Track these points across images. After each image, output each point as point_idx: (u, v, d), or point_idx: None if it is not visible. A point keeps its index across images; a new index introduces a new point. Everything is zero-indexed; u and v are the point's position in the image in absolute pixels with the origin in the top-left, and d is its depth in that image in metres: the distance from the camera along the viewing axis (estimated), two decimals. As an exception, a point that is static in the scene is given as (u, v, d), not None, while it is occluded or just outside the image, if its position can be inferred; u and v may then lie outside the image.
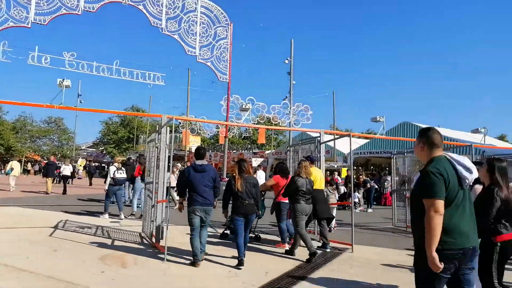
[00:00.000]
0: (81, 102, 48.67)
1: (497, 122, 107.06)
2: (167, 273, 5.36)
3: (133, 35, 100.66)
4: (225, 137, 22.01)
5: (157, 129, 7.58)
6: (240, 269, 5.69)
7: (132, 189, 12.08)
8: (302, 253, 6.57)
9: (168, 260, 5.94)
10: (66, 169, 20.66)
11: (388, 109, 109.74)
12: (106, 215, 10.55)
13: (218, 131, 37.77)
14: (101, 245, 6.93)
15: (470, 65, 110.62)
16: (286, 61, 27.36)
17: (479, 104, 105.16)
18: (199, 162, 6.13)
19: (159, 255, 6.24)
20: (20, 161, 35.12)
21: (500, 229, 3.54)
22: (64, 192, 18.63)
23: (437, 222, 2.60)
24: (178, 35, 19.12)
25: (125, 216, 10.66)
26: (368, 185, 17.75)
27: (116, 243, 7.17)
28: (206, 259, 6.12)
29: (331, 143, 18.82)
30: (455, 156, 2.83)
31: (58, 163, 24.36)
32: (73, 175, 25.07)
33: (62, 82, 9.42)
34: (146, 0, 17.98)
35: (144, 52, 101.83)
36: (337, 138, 10.72)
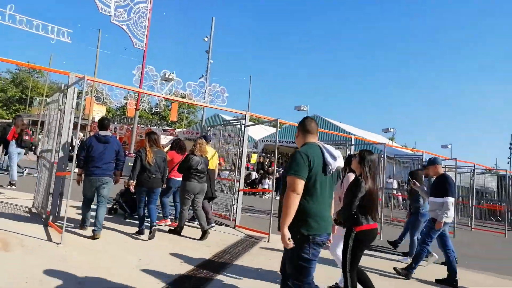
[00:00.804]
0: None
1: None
2: (64, 260, 4.49)
3: None
4: (136, 109, 20.51)
5: (62, 88, 6.43)
6: (139, 239, 5.93)
7: (5, 154, 10.69)
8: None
9: (66, 244, 5.05)
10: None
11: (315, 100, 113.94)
12: None
13: (126, 103, 35.44)
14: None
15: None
16: (206, 39, 26.46)
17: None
18: (102, 133, 5.94)
19: (53, 237, 5.30)
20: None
21: (360, 219, 3.69)
22: None
23: (293, 201, 2.70)
24: (91, -9, 17.05)
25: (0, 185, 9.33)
26: (277, 174, 18.08)
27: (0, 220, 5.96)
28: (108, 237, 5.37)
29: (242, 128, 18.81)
30: (326, 145, 2.99)
31: None
32: None
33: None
34: None
35: (49, 3, 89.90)
36: (266, 123, 10.55)
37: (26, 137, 10.09)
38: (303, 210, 2.76)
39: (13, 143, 9.88)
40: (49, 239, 5.24)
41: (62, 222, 5.23)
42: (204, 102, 22.66)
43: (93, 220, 5.75)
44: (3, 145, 10.48)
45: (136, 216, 6.84)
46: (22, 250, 4.63)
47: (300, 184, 2.71)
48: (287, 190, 2.72)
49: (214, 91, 23.74)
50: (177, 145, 7.50)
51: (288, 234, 2.67)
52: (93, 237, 5.50)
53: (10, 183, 9.45)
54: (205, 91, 22.96)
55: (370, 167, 3.79)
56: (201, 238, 6.39)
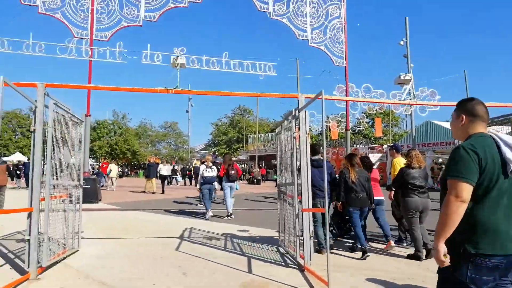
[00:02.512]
0: (192, 105, 50.79)
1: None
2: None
3: (240, 23, 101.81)
4: (347, 129, 19.70)
5: (293, 112, 5.81)
6: (365, 259, 5.78)
7: (220, 189, 11.89)
8: None
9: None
10: (163, 170, 21.82)
11: None
12: (210, 213, 10.80)
13: (329, 126, 35.34)
14: (236, 264, 5.44)
15: None
16: (402, 43, 24.06)
17: None
18: (314, 157, 6.32)
19: (314, 284, 4.47)
20: (118, 164, 38.21)
21: None
22: (162, 191, 19.95)
23: (455, 211, 2.06)
24: (287, 18, 17.50)
25: (213, 214, 10.83)
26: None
27: (253, 263, 5.60)
28: None
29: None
30: (503, 135, 2.22)
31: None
32: (171, 176, 26.58)
33: (176, 60, 8.38)
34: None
35: (252, 41, 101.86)
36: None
37: (232, 172, 10.98)
38: (471, 221, 2.10)
39: (224, 178, 10.97)
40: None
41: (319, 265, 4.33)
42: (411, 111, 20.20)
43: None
44: (219, 180, 11.64)
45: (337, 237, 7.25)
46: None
47: (466, 190, 2.07)
48: (448, 195, 2.11)
49: (423, 96, 20.89)
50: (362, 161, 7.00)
51: (443, 249, 2.08)
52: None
53: (228, 215, 10.55)
54: (413, 97, 20.41)
55: None
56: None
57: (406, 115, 37.81)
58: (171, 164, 33.95)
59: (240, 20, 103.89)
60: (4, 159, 28.11)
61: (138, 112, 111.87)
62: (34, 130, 4.76)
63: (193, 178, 27.02)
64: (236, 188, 11.59)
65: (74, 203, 6.11)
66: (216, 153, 57.84)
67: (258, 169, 36.81)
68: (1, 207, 11.21)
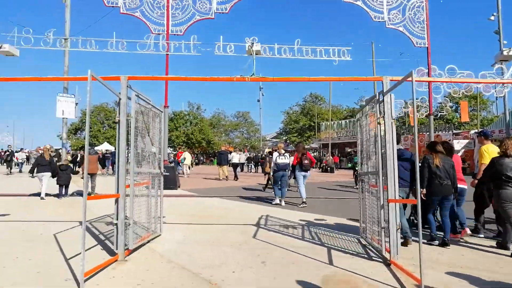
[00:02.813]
0: (263, 95, 51.08)
1: None
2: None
3: (311, 8, 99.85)
4: (429, 115, 18.26)
5: (377, 96, 5.38)
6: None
7: (294, 177, 11.83)
8: None
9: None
10: (235, 157, 22.33)
11: None
12: (277, 200, 11.00)
13: (407, 112, 33.19)
14: (315, 255, 5.24)
15: None
16: (492, 18, 21.62)
17: None
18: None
19: (405, 282, 4.12)
20: (193, 152, 39.56)
21: None
22: (236, 178, 20.52)
23: None
24: (362, 1, 16.57)
25: (285, 202, 10.92)
26: None
27: (334, 254, 5.36)
28: None
29: None
30: None
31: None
32: (243, 163, 27.30)
33: (251, 47, 8.30)
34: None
35: (324, 27, 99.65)
36: None
37: (306, 161, 10.96)
38: None
39: (297, 167, 11.01)
40: (401, 285, 4.08)
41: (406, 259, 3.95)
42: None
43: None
44: (291, 169, 11.65)
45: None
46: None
47: None
48: None
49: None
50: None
51: None
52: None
53: (303, 202, 10.55)
54: (507, 76, 18.20)
55: None
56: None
57: (497, 97, 34.12)
58: (243, 153, 34.67)
59: (310, 4, 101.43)
60: (96, 148, 30.67)
61: (211, 103, 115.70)
62: (119, 121, 4.97)
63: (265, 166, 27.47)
64: (308, 175, 11.51)
65: (156, 190, 6.36)
66: (288, 141, 57.77)
67: (331, 157, 35.98)
68: (93, 193, 12.26)
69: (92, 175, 12.48)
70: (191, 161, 28.31)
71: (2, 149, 48.41)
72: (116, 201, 4.95)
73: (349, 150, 42.93)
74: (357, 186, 7.93)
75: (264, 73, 5.87)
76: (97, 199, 9.06)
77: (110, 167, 24.59)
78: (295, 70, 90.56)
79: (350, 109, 57.77)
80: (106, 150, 36.18)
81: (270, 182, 14.41)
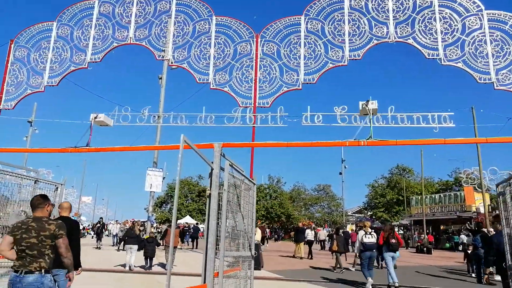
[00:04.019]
0: (345, 167, 49.34)
1: None
2: None
3: (407, 73, 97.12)
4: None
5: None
6: None
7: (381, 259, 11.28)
8: None
9: None
10: (310, 235, 21.70)
11: None
12: (371, 281, 10.32)
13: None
14: None
15: None
16: None
17: None
18: None
19: None
20: (269, 227, 37.91)
21: None
22: (310, 257, 19.54)
23: None
24: (463, 62, 15.30)
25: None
26: None
27: None
28: None
29: None
30: None
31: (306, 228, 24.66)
32: (316, 240, 26.26)
33: (366, 105, 7.51)
34: (415, 33, 15.33)
35: (424, 89, 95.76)
36: None
37: (393, 240, 10.46)
38: None
39: (385, 248, 10.45)
40: None
41: None
42: None
43: None
44: (378, 250, 10.99)
45: None
46: None
47: None
48: None
49: None
50: None
51: None
52: None
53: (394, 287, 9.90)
54: None
55: None
56: None
57: None
58: (323, 228, 33.04)
59: (405, 70, 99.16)
60: (178, 222, 31.05)
61: (291, 176, 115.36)
62: (210, 194, 4.34)
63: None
64: (398, 256, 11.00)
65: (246, 274, 5.47)
66: (374, 217, 53.80)
67: (426, 236, 32.14)
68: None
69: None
70: (266, 237, 27.30)
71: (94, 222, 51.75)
72: (204, 293, 4.14)
73: (444, 227, 38.28)
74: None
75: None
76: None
77: (190, 241, 24.59)
78: (388, 136, 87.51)
79: (443, 182, 52.77)
80: (186, 223, 36.66)
81: (338, 262, 14.41)
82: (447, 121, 14.89)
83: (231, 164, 4.63)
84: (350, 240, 20.43)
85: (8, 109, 11.82)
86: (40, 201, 3.85)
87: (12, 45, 12.54)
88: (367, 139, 4.45)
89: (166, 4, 13.19)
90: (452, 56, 15.49)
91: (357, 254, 11.37)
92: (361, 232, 10.87)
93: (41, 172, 6.83)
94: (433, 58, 15.64)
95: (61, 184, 6.71)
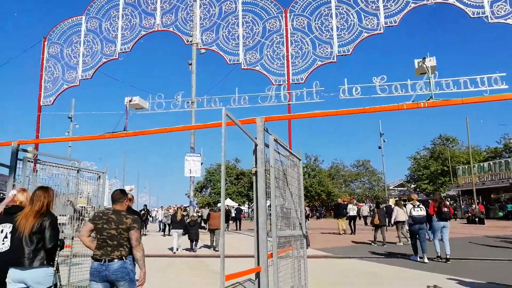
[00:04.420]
0: (384, 141, 47.85)
1: None
2: None
3: (445, 38, 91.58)
4: None
5: None
6: None
7: (430, 229, 11.04)
8: None
9: None
10: (352, 210, 21.18)
11: None
12: (417, 258, 10.18)
13: None
14: None
15: None
16: None
17: None
18: None
19: None
20: (309, 206, 37.50)
21: None
22: (353, 232, 19.35)
23: None
24: (512, 16, 14.04)
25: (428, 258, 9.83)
26: None
27: None
28: None
29: None
30: None
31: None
32: (359, 216, 25.20)
33: (423, 63, 6.96)
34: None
35: (468, 52, 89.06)
36: None
37: (445, 209, 10.14)
38: None
39: (434, 217, 10.17)
40: None
41: None
42: None
43: None
44: (427, 219, 10.66)
45: None
46: None
47: None
48: None
49: None
50: None
51: None
52: None
53: (446, 259, 9.66)
54: None
55: None
56: None
57: None
58: (365, 204, 32.47)
59: (446, 31, 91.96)
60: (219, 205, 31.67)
61: (328, 154, 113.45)
62: (256, 172, 4.07)
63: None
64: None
65: (298, 254, 5.22)
66: (418, 190, 52.15)
67: (477, 205, 30.70)
68: (217, 247, 12.38)
69: (214, 231, 13.37)
70: (307, 215, 27.31)
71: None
72: (257, 276, 3.92)
73: (495, 196, 36.38)
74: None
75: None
76: (236, 277, 8.31)
77: (230, 222, 25.02)
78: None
79: (491, 149, 49.97)
80: (227, 206, 37.08)
81: (382, 235, 14.49)
82: (498, 83, 13.81)
83: (276, 139, 4.32)
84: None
85: (48, 105, 12.10)
86: (120, 195, 4.14)
87: (46, 43, 12.72)
88: (428, 99, 3.99)
89: (191, -13, 12.93)
90: (501, 12, 14.27)
91: (406, 228, 11.25)
92: (409, 206, 10.61)
93: (83, 165, 6.86)
94: (479, 17, 14.45)
95: (103, 173, 6.70)
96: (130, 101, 8.22)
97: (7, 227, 3.67)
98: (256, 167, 4.08)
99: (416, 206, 10.43)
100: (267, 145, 4.26)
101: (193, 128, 13.54)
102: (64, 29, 12.86)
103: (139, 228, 3.99)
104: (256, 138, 4.12)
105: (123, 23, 12.19)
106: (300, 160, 5.48)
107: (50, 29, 12.60)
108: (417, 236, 10.22)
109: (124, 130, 7.85)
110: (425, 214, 10.36)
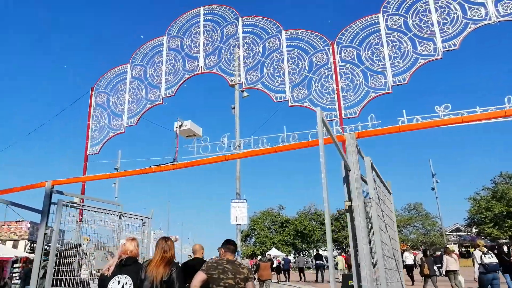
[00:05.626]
0: (437, 182, 44.70)
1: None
2: None
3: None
4: None
5: None
6: None
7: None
8: None
9: None
10: (408, 258, 19.68)
11: None
12: None
13: None
14: None
15: None
16: None
17: None
18: None
19: None
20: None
21: None
22: (412, 283, 18.12)
23: None
24: None
25: None
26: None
27: None
28: None
29: None
30: None
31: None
32: (415, 265, 22.53)
33: None
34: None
35: None
36: None
37: None
38: None
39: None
40: None
41: None
42: None
43: None
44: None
45: None
46: None
47: None
48: None
49: None
50: None
51: None
52: None
53: None
54: None
55: None
56: None
57: None
58: (420, 251, 29.58)
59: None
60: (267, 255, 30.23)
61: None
62: (350, 206, 3.01)
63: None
64: None
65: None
66: (481, 235, 47.54)
67: None
68: None
69: (265, 281, 13.52)
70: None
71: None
72: None
73: None
74: None
75: None
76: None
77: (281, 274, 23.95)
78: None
79: None
80: (269, 255, 35.18)
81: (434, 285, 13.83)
82: None
83: (372, 164, 3.27)
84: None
85: (94, 153, 11.82)
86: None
87: (93, 92, 12.73)
88: None
89: (233, 28, 12.68)
90: None
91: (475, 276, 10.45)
92: (477, 252, 10.10)
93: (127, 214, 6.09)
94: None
95: (148, 218, 5.86)
96: (181, 126, 7.35)
97: (123, 278, 3.77)
98: (350, 200, 3.01)
99: (485, 252, 9.91)
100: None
101: (258, 154, 12.03)
102: (110, 78, 12.89)
103: (253, 279, 4.06)
104: (347, 160, 3.10)
105: (167, 68, 12.05)
106: (390, 194, 4.36)
107: (97, 79, 12.66)
108: (490, 287, 9.64)
109: (174, 161, 6.97)
110: (497, 261, 9.83)
